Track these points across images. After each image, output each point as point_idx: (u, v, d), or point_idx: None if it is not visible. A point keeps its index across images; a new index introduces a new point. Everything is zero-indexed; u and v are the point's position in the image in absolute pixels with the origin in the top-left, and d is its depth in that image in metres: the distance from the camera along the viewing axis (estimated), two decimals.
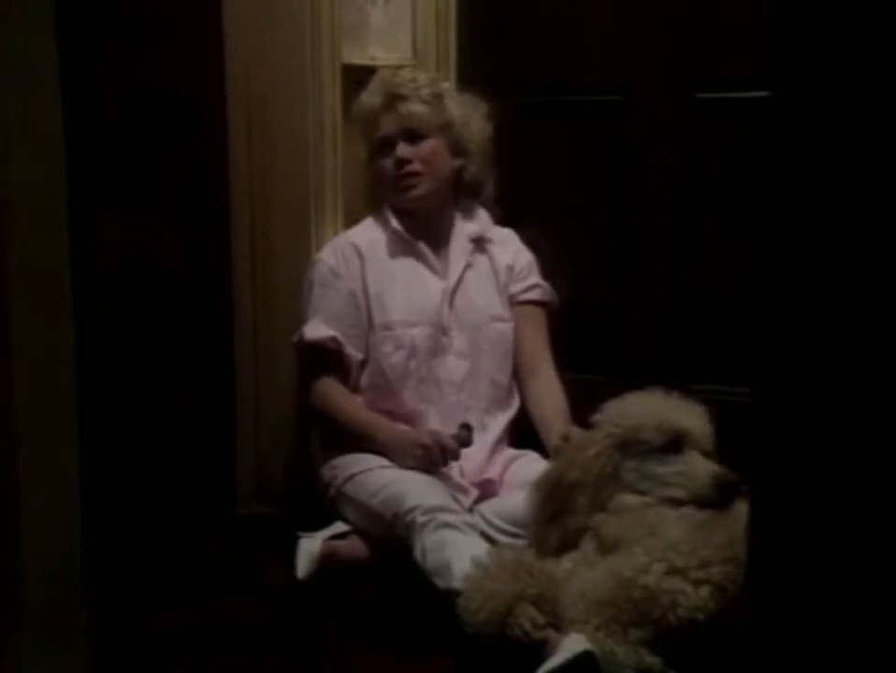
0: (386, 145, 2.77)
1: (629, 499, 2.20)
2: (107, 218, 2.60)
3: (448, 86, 2.91)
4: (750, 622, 1.14)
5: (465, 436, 2.60)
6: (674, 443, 2.21)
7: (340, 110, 2.96)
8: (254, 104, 2.93)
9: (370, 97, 2.81)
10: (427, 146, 2.77)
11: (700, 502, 2.16)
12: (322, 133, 2.93)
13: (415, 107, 2.76)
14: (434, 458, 2.54)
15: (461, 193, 2.87)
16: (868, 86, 1.00)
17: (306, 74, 2.89)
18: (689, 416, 2.24)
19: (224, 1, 2.85)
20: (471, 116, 2.84)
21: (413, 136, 2.76)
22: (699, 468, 2.19)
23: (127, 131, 2.64)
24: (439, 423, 2.71)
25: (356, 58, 3.03)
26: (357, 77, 3.03)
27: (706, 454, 2.22)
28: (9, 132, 1.80)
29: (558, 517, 2.23)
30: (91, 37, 2.48)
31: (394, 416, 2.72)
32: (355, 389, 2.77)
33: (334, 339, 2.72)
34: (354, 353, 2.74)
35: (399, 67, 2.93)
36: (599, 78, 3.06)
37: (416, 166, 2.75)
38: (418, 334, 2.74)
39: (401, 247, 2.79)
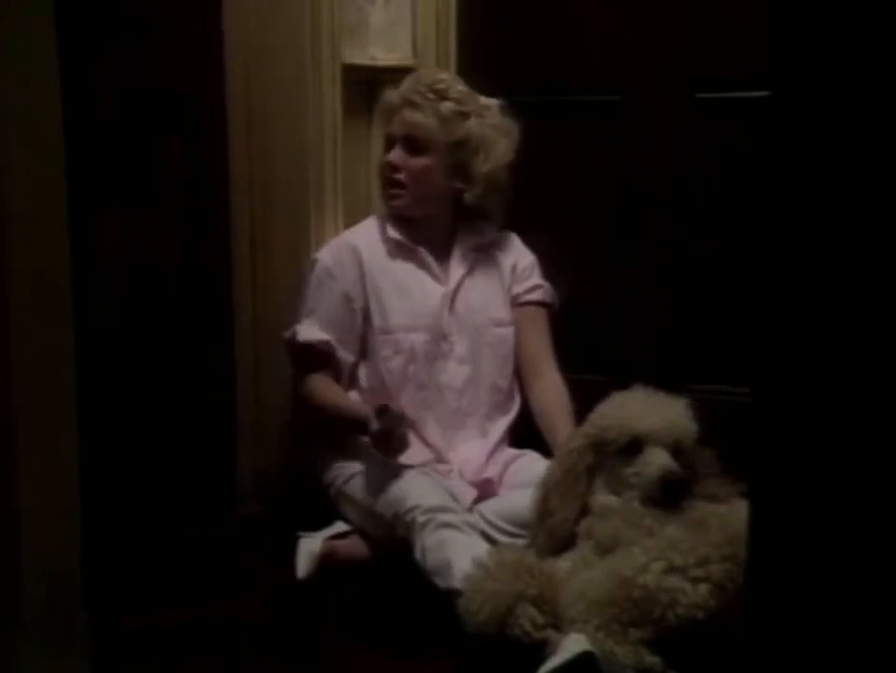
0: (389, 143, 2.77)
1: (608, 500, 2.22)
2: (107, 218, 2.60)
3: (491, 105, 2.79)
4: (750, 622, 1.14)
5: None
6: (635, 444, 2.22)
7: (340, 110, 2.96)
8: (254, 104, 2.93)
9: (393, 92, 2.79)
10: (421, 162, 2.73)
11: (651, 501, 2.17)
12: (322, 133, 2.93)
13: (423, 119, 2.72)
14: (394, 420, 2.47)
15: (463, 211, 2.82)
16: (868, 86, 1.00)
17: (306, 74, 2.89)
18: (654, 415, 2.24)
19: (224, 1, 2.85)
20: (494, 143, 2.76)
21: (414, 146, 2.73)
22: (650, 467, 2.20)
23: (127, 131, 2.64)
24: (437, 430, 2.71)
25: (356, 58, 3.03)
26: (357, 77, 3.04)
27: (679, 452, 2.22)
28: (9, 132, 1.80)
29: (544, 517, 2.25)
30: (91, 37, 2.48)
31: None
32: (349, 390, 2.77)
33: (327, 343, 2.71)
34: (345, 357, 2.74)
35: (439, 71, 2.86)
36: (599, 78, 3.06)
37: (402, 177, 2.73)
38: (417, 339, 2.73)
39: (400, 251, 2.79)
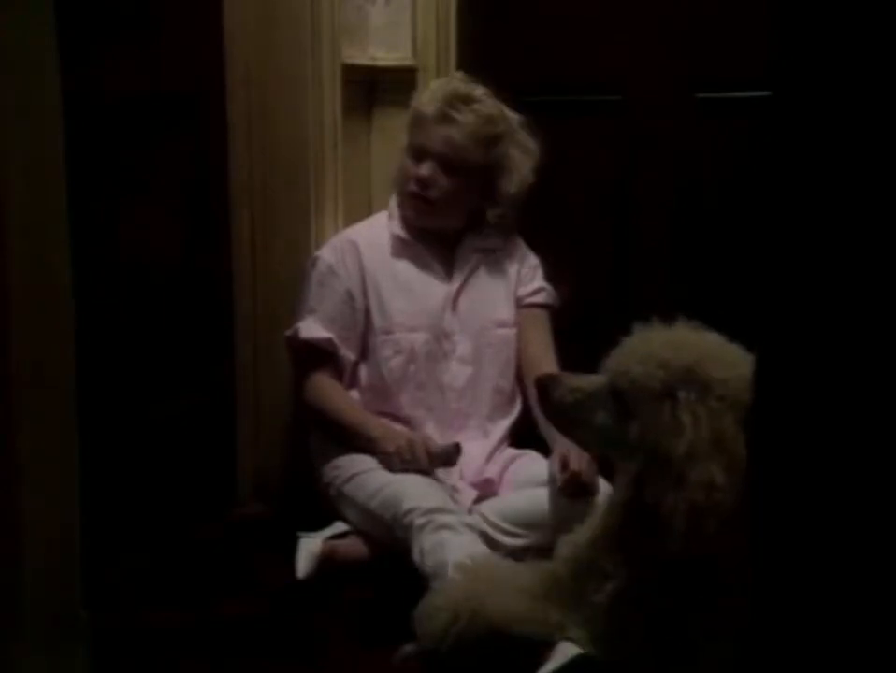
0: (419, 154, 2.71)
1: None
2: (107, 217, 2.60)
3: (517, 120, 2.76)
4: (752, 624, 1.14)
5: (450, 453, 2.57)
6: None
7: (340, 110, 2.96)
8: (254, 103, 2.93)
9: (426, 101, 2.73)
10: (452, 183, 2.69)
11: None
12: (322, 132, 2.93)
13: (461, 140, 2.67)
14: (416, 452, 2.51)
15: (477, 222, 2.81)
16: (868, 86, 1.00)
17: (306, 74, 2.89)
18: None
19: (224, 1, 2.85)
20: (522, 165, 2.75)
21: (447, 165, 2.69)
22: None
23: (128, 131, 2.64)
24: (437, 431, 2.71)
25: (356, 58, 3.04)
26: (357, 77, 3.04)
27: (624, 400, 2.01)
28: (9, 131, 1.80)
29: None
30: (91, 37, 2.48)
31: (392, 420, 2.72)
32: (350, 389, 2.77)
33: (329, 341, 2.71)
34: (347, 355, 2.74)
35: (473, 84, 2.75)
36: (599, 78, 3.07)
37: (431, 194, 2.70)
38: (418, 339, 2.73)
39: (404, 249, 2.78)
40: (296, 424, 2.95)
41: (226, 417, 2.98)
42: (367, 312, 2.74)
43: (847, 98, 1.01)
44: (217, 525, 2.83)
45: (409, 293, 2.75)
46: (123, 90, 2.60)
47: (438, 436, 2.70)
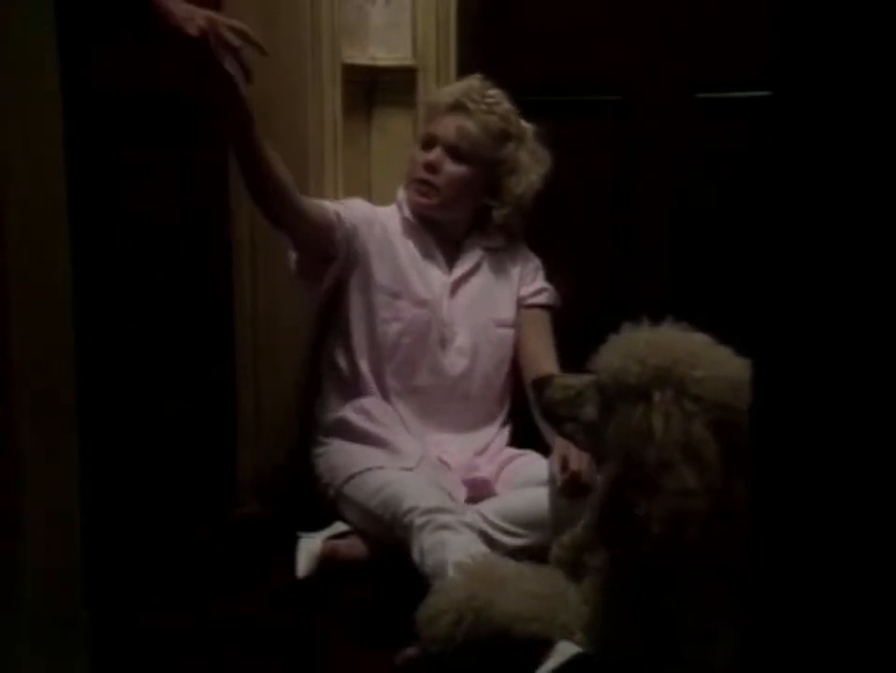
0: (428, 143, 2.76)
1: None
2: (107, 218, 2.60)
3: (530, 130, 2.81)
4: (752, 624, 1.14)
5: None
6: None
7: (340, 110, 2.96)
8: (254, 103, 2.93)
9: (443, 92, 2.81)
10: (459, 171, 2.73)
11: None
12: (322, 133, 2.93)
13: (473, 129, 2.73)
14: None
15: (479, 218, 2.84)
16: (868, 86, 1.00)
17: (306, 74, 2.89)
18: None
19: (223, 1, 2.84)
20: (529, 170, 2.78)
21: (456, 153, 2.73)
22: None
23: (128, 131, 2.64)
24: (411, 413, 2.72)
25: (356, 58, 3.04)
26: (357, 77, 3.04)
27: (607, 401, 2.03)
28: (9, 131, 1.80)
29: None
30: (91, 38, 2.48)
31: (380, 387, 2.73)
32: (342, 338, 2.75)
33: (336, 214, 2.67)
34: (343, 230, 2.66)
35: (490, 86, 2.79)
36: (599, 78, 3.07)
37: (437, 180, 2.73)
38: (420, 315, 2.74)
39: (413, 233, 2.80)
40: (297, 424, 2.95)
41: (226, 417, 2.98)
42: (375, 271, 2.73)
43: (847, 98, 1.01)
44: (217, 525, 2.83)
45: (413, 271, 2.77)
46: (123, 90, 2.60)
47: (411, 418, 2.71)
